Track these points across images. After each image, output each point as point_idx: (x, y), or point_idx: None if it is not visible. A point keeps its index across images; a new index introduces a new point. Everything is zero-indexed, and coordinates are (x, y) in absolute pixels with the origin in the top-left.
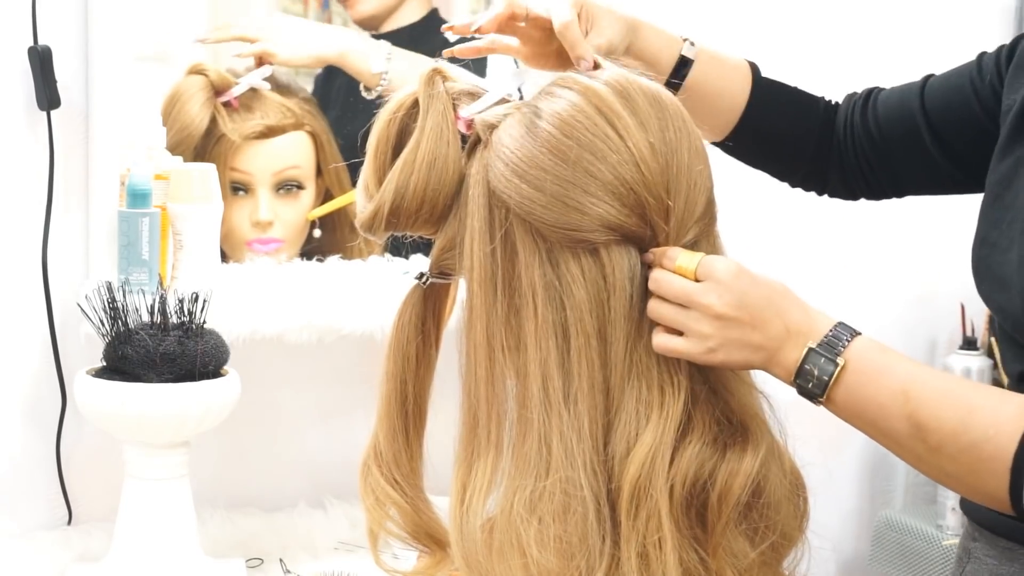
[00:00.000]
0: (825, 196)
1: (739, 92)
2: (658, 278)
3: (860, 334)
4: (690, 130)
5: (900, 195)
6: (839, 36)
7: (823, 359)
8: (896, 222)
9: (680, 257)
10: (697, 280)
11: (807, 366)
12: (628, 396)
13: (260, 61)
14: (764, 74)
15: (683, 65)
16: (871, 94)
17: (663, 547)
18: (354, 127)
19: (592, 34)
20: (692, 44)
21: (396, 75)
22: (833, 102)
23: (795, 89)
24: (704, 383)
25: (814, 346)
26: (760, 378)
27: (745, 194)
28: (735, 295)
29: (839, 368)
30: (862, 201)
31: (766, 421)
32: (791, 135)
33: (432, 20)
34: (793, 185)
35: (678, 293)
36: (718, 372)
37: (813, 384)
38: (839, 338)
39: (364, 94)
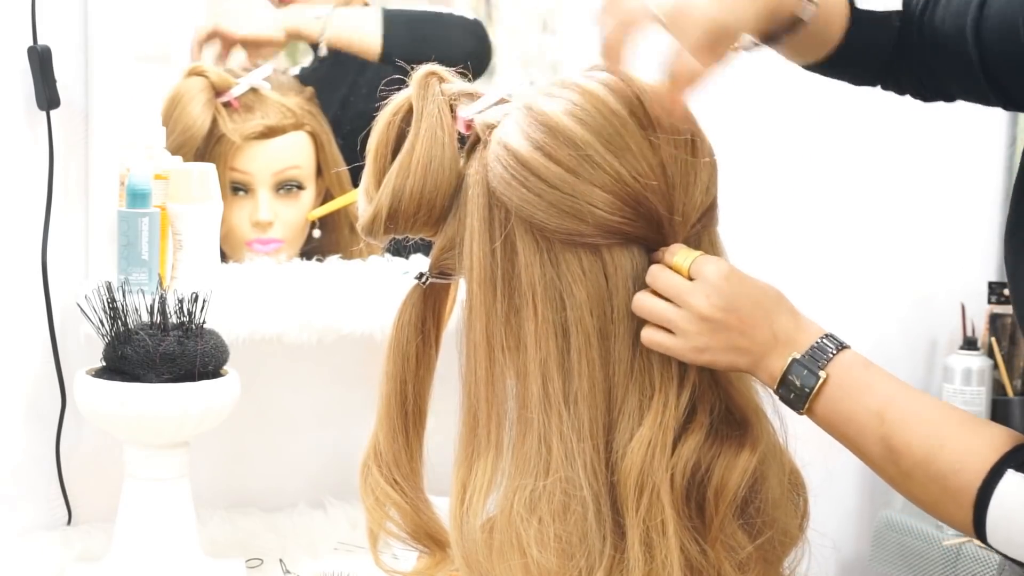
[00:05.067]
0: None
1: (838, 23)
2: (654, 273)
3: (848, 347)
4: (692, 129)
5: (948, 101)
6: None
7: (806, 371)
8: (897, 222)
9: (678, 254)
10: (690, 279)
11: (790, 376)
12: (632, 394)
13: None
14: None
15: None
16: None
17: (666, 531)
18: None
19: None
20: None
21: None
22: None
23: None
24: (709, 376)
25: (798, 357)
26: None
27: (747, 195)
28: (723, 297)
29: (820, 381)
30: (862, 201)
31: (767, 417)
32: (879, 45)
33: None
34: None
35: (669, 289)
36: None
37: (795, 395)
38: (824, 350)
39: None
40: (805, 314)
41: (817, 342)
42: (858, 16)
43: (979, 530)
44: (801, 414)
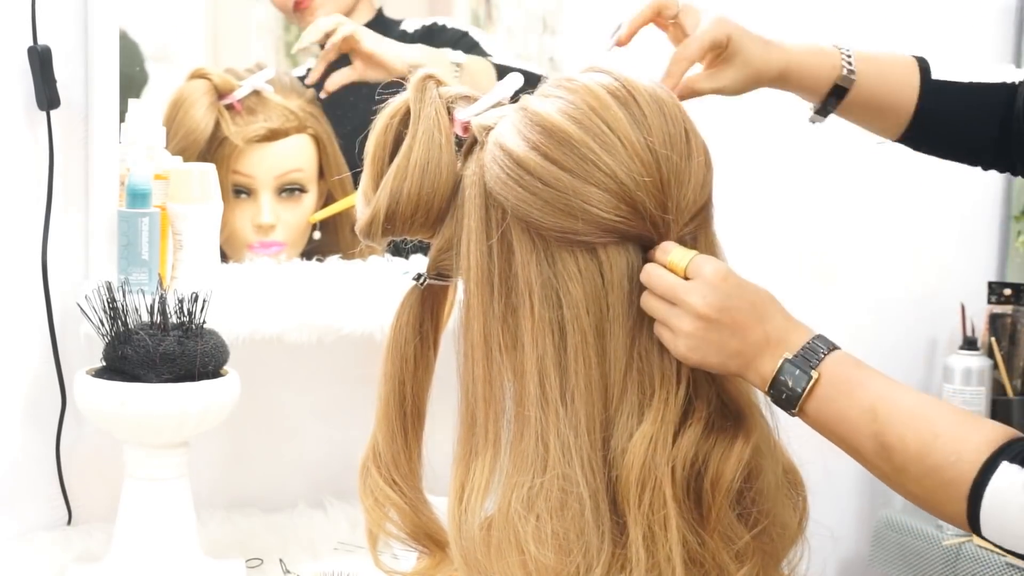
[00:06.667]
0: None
1: (908, 90)
2: (649, 271)
3: (838, 348)
4: (687, 128)
5: None
6: (838, 35)
7: (797, 371)
8: (896, 222)
9: (673, 252)
10: (686, 278)
11: (782, 377)
12: (630, 392)
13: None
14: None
15: (843, 85)
16: None
17: (668, 525)
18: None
19: (722, 71)
20: (849, 60)
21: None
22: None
23: (969, 82)
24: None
25: (790, 357)
26: None
27: (747, 193)
28: (719, 297)
29: (812, 381)
30: (862, 201)
31: (760, 409)
32: (970, 122)
33: (379, 20)
34: (985, 169)
35: (665, 288)
36: None
37: (787, 395)
38: (815, 351)
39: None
40: (798, 317)
41: (808, 343)
42: (933, 87)
43: (973, 522)
44: (793, 415)
